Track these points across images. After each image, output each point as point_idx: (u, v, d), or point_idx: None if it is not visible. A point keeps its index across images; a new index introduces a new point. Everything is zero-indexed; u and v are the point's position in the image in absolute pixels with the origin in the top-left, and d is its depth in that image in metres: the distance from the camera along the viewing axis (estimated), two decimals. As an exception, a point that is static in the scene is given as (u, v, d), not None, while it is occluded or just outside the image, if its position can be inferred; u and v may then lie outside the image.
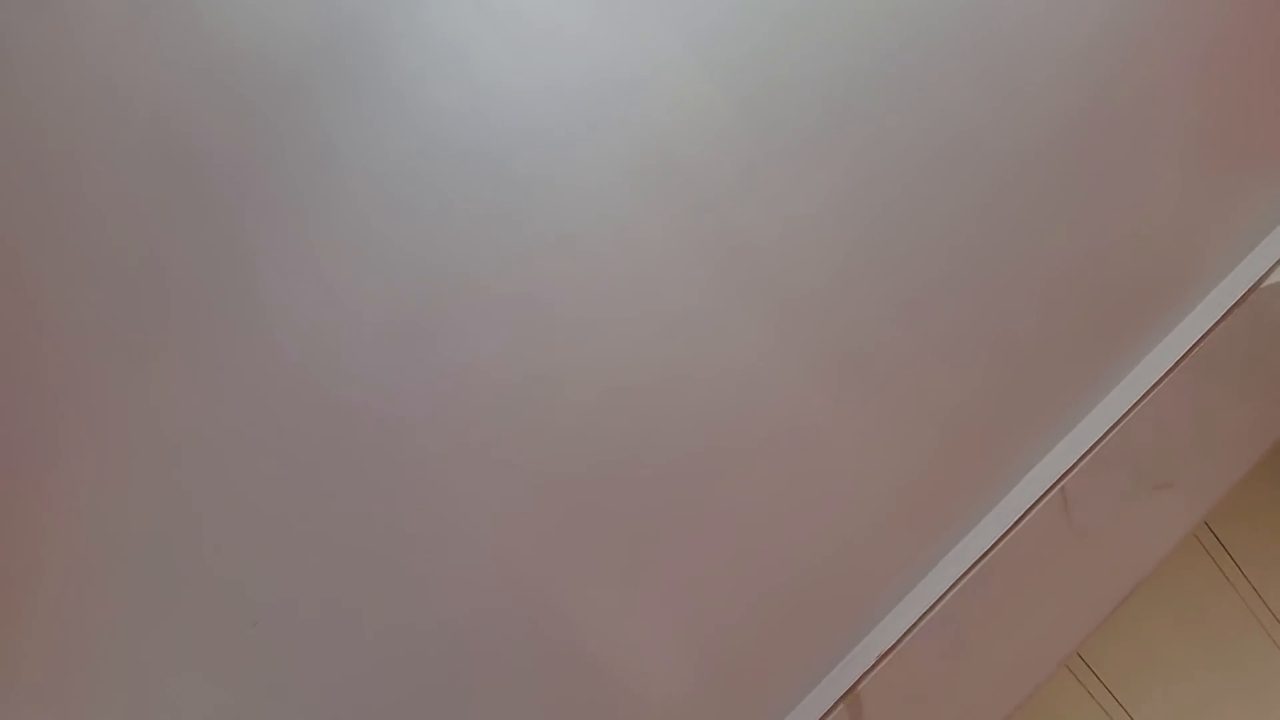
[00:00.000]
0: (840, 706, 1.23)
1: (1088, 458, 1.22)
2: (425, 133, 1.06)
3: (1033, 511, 1.21)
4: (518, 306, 1.11)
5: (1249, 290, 1.24)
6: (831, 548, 1.22)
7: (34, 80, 0.98)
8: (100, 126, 1.00)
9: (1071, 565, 1.25)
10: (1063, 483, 1.22)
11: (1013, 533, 1.21)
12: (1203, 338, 1.24)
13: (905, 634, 1.22)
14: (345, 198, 1.06)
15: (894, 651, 1.22)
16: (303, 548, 1.10)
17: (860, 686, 1.22)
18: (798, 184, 1.15)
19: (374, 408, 1.09)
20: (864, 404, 1.19)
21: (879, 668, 1.22)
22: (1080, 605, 1.28)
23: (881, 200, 1.17)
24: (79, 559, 1.05)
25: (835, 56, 1.13)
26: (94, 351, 1.03)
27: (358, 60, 1.04)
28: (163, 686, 1.09)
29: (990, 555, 1.21)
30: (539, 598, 1.16)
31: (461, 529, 1.13)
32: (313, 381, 1.07)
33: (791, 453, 1.19)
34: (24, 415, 1.03)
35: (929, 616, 1.21)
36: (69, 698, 1.07)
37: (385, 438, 1.10)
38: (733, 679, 1.23)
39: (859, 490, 1.21)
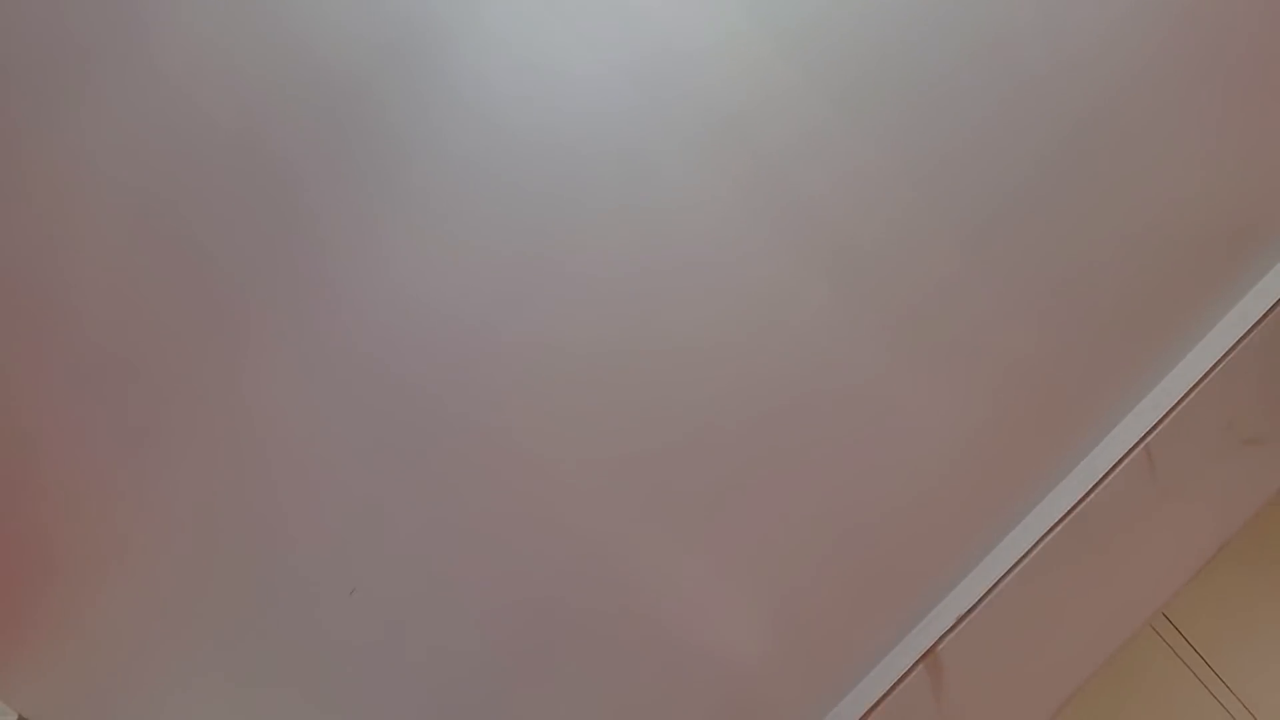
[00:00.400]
0: (920, 667, 1.24)
1: (1173, 415, 1.19)
2: (491, 122, 1.08)
3: (1116, 470, 1.20)
4: (587, 283, 1.13)
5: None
6: (906, 509, 1.22)
7: (126, 99, 1.03)
8: (188, 140, 1.04)
9: (1156, 524, 1.22)
10: (1147, 440, 1.20)
11: (1095, 492, 1.20)
12: (1294, 287, 1.19)
13: (985, 595, 1.22)
14: (415, 191, 1.08)
15: (974, 612, 1.22)
16: (389, 528, 1.15)
17: (940, 647, 1.23)
18: (862, 143, 1.13)
19: (451, 390, 1.13)
20: (937, 361, 1.19)
21: (959, 628, 1.22)
22: (1165, 565, 1.26)
23: (949, 156, 1.15)
24: (177, 542, 1.12)
25: (898, 13, 1.11)
26: (193, 345, 1.09)
27: (421, 56, 1.06)
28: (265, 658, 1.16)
29: (1072, 515, 1.20)
30: (618, 567, 1.19)
31: (539, 503, 1.16)
32: (391, 366, 1.11)
33: (864, 414, 1.19)
34: (136, 402, 1.09)
35: (1009, 577, 1.21)
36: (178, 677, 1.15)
37: (461, 418, 1.13)
38: (810, 641, 1.25)
39: (933, 451, 1.21)
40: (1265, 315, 1.18)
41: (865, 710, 1.24)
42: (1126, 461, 1.19)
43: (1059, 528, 1.20)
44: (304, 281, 1.08)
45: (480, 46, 1.06)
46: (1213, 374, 1.19)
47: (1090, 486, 1.19)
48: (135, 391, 1.08)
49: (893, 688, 1.24)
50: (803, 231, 1.14)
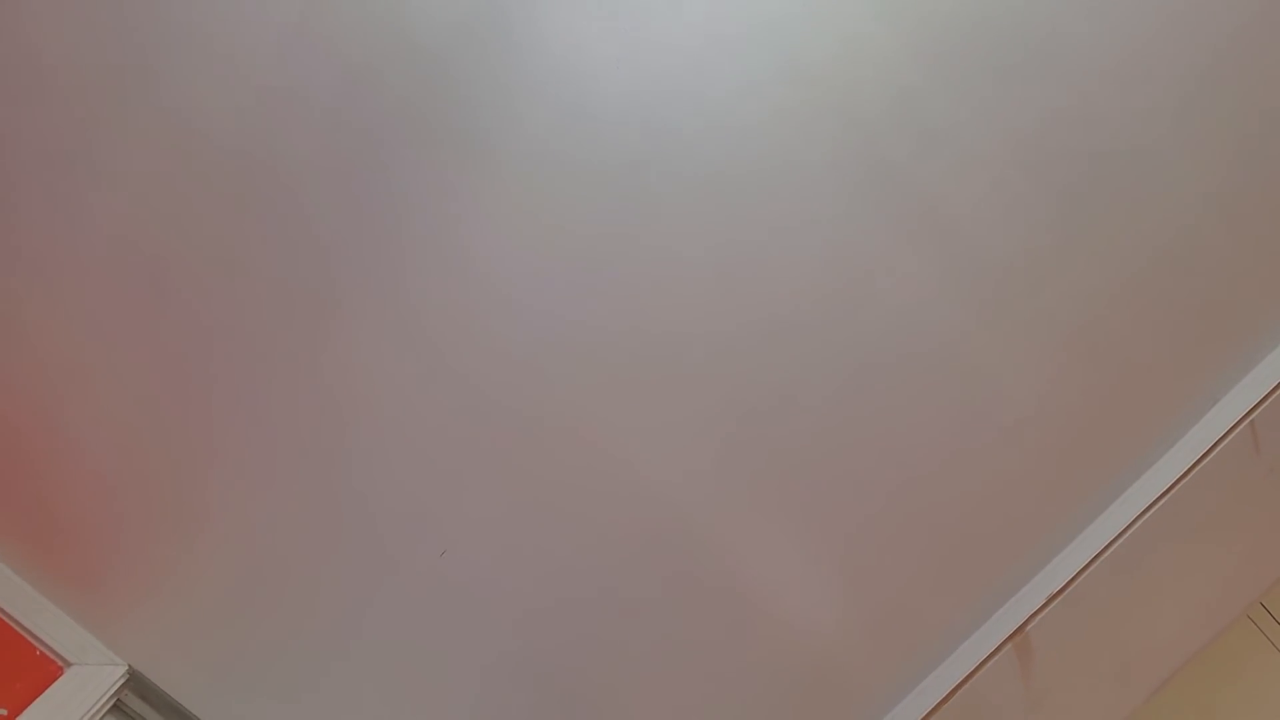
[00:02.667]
0: (1008, 646, 1.22)
1: (1280, 390, 1.16)
2: (572, 93, 1.08)
3: (1219, 447, 1.16)
4: (668, 256, 1.13)
5: None
6: (996, 481, 1.20)
7: (225, 66, 1.06)
8: (277, 120, 1.06)
9: (1261, 504, 1.18)
10: (1252, 416, 1.16)
11: (1196, 469, 1.16)
12: None
13: (1078, 574, 1.19)
14: (497, 163, 1.09)
15: (1065, 592, 1.20)
16: (476, 495, 1.17)
17: (1030, 627, 1.21)
18: (956, 109, 1.11)
19: (535, 361, 1.14)
20: (1030, 332, 1.16)
21: (1050, 608, 1.20)
22: (1270, 548, 1.22)
23: (1046, 122, 1.11)
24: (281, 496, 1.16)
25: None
26: (282, 311, 1.11)
27: (501, 27, 1.06)
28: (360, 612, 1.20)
29: (1172, 493, 1.16)
30: (700, 536, 1.19)
31: (619, 474, 1.17)
32: (476, 337, 1.13)
33: (951, 383, 1.17)
34: (231, 367, 1.13)
35: (1104, 556, 1.18)
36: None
37: (539, 388, 1.14)
38: (894, 616, 1.23)
39: (1025, 423, 1.18)
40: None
41: (950, 688, 1.23)
42: (1230, 438, 1.16)
43: (1158, 505, 1.17)
44: (390, 255, 1.10)
45: (564, 12, 1.06)
46: (1327, 346, 1.14)
47: (1192, 464, 1.16)
48: (230, 355, 1.11)
49: (979, 666, 1.22)
50: (892, 198, 1.13)
